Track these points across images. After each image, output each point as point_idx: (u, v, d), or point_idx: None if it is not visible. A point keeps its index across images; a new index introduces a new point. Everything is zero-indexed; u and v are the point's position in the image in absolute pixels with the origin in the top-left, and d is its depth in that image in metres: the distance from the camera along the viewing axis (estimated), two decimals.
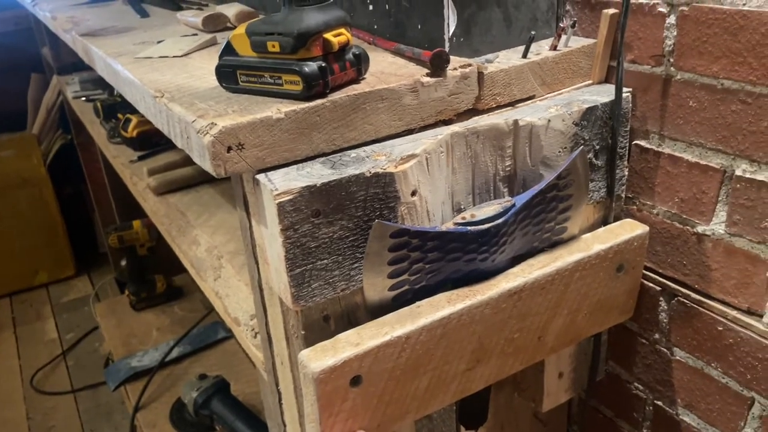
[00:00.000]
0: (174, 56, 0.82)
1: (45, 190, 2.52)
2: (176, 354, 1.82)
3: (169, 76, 0.72)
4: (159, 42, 0.91)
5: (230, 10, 0.99)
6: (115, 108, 1.64)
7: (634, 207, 0.77)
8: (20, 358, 2.23)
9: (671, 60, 0.67)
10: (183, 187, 1.27)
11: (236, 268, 0.94)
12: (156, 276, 2.11)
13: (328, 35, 0.57)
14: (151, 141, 1.46)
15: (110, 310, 2.14)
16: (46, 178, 2.52)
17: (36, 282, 2.63)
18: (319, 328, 0.61)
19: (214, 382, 1.50)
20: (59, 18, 1.28)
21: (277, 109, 0.56)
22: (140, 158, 1.44)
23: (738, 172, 0.64)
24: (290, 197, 0.53)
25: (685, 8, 0.64)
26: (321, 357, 0.56)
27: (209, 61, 0.79)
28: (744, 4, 0.59)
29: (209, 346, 1.88)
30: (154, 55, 0.83)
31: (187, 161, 1.30)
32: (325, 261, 0.57)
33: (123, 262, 2.09)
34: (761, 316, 0.67)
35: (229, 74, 0.62)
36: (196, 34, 0.95)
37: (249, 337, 0.81)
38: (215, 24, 0.97)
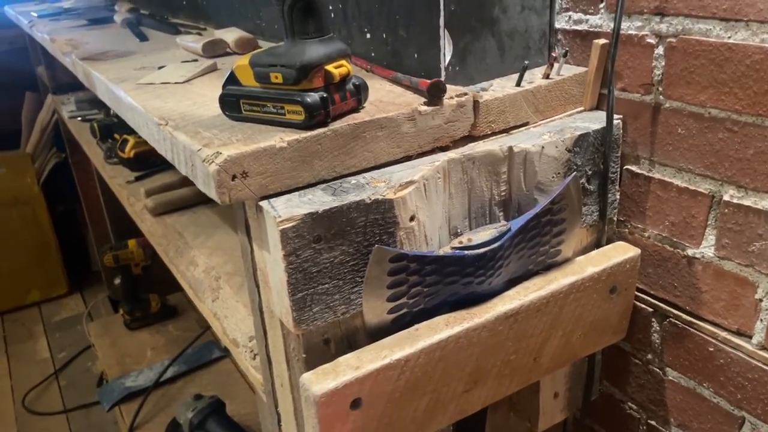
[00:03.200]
0: (176, 82, 0.83)
1: (38, 209, 2.52)
2: (171, 374, 1.82)
3: (171, 103, 0.73)
4: (160, 67, 0.92)
5: (229, 36, 1.01)
6: (112, 128, 1.65)
7: (626, 230, 0.79)
8: (12, 378, 2.21)
9: (660, 89, 0.69)
10: (180, 207, 1.28)
11: (234, 289, 0.95)
12: (150, 295, 2.11)
13: (329, 67, 0.59)
14: (148, 161, 1.47)
15: (104, 329, 2.13)
16: (40, 196, 2.52)
17: (28, 300, 2.62)
18: (320, 351, 0.62)
19: (209, 402, 1.49)
20: (58, 40, 1.29)
21: (280, 138, 0.57)
22: (137, 179, 1.45)
23: (726, 198, 0.66)
24: (293, 224, 0.54)
25: (672, 40, 0.66)
26: (322, 380, 0.57)
27: (211, 87, 0.80)
28: (729, 38, 0.61)
29: (204, 365, 1.87)
30: (156, 81, 0.84)
31: (185, 182, 1.31)
32: (326, 285, 0.58)
33: (117, 281, 2.09)
34: (750, 337, 0.68)
35: (232, 103, 0.64)
36: (196, 60, 0.97)
37: (248, 358, 0.82)
38: (215, 50, 0.99)
